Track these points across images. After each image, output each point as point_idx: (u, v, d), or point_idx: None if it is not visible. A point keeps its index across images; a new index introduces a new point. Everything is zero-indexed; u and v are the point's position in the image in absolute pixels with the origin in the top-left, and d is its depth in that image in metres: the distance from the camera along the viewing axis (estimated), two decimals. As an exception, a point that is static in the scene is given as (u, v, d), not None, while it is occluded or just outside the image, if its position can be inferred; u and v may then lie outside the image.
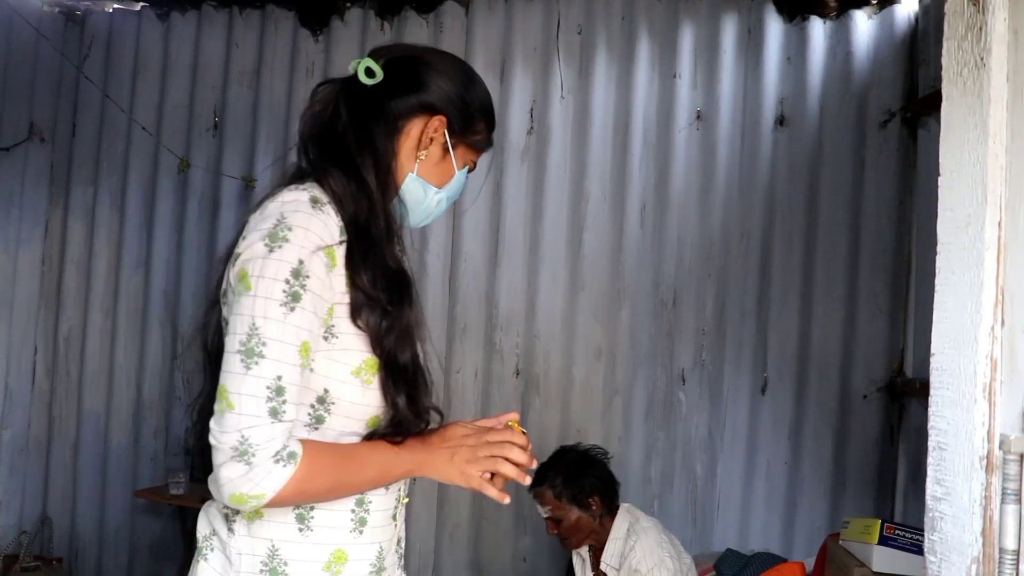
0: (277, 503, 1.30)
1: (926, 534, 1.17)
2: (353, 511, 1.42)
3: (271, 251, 1.30)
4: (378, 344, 1.39)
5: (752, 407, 3.91)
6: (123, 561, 4.50)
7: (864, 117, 3.83)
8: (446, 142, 1.52)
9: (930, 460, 1.17)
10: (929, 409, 1.16)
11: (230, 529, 1.40)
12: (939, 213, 1.08)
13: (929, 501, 1.17)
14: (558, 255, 4.04)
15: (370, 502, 1.43)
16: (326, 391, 1.37)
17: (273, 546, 1.38)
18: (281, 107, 4.40)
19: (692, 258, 3.95)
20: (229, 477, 1.26)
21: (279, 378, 1.28)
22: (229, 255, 1.41)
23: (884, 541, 2.70)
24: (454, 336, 4.13)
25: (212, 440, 1.27)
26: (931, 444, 1.16)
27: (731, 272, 3.92)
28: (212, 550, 1.42)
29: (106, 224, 4.64)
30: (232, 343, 1.29)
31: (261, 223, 1.34)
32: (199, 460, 1.44)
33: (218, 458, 1.27)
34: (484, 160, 3.99)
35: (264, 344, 1.28)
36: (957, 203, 1.08)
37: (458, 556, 4.10)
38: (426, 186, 1.53)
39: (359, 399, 1.38)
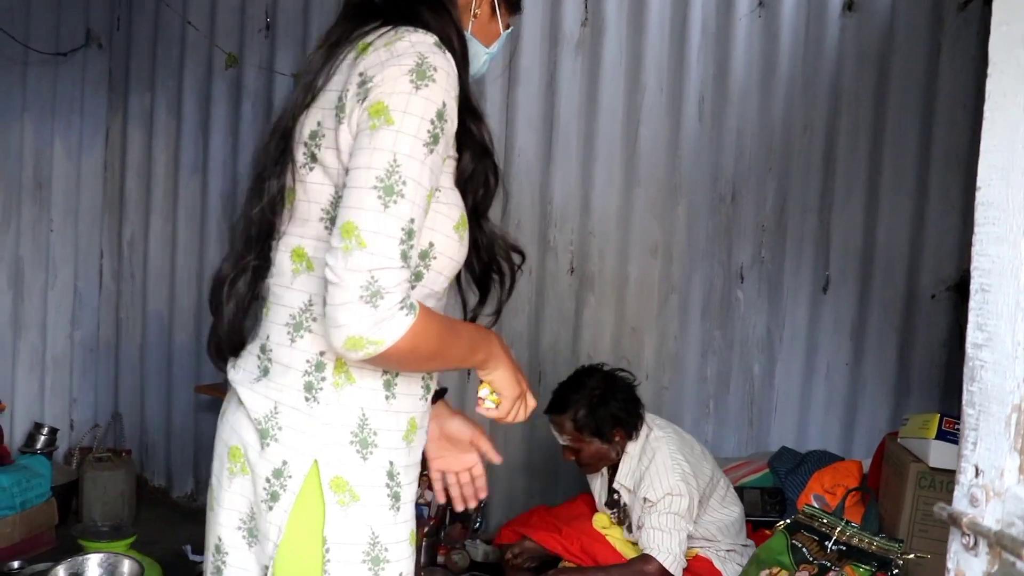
0: (387, 357, 1.23)
1: (964, 386, 1.08)
2: (423, 379, 1.42)
3: (417, 88, 1.24)
4: (475, 198, 1.40)
5: (813, 306, 3.79)
6: (188, 453, 4.63)
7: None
8: (493, 1, 1.51)
9: (972, 304, 1.07)
10: (973, 249, 1.07)
11: (313, 398, 1.32)
12: (992, 29, 0.97)
13: (969, 350, 1.08)
14: (613, 150, 3.93)
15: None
16: (431, 245, 1.33)
17: (363, 415, 1.33)
18: (333, 5, 4.32)
19: (752, 152, 3.80)
20: (351, 320, 1.19)
21: (412, 221, 1.23)
22: (287, 119, 1.39)
23: (942, 435, 2.61)
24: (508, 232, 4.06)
25: (332, 278, 1.20)
26: (974, 287, 1.07)
27: (793, 166, 3.77)
28: (281, 429, 1.33)
29: (164, 129, 4.66)
30: (365, 178, 1.22)
31: (395, 60, 1.26)
32: (227, 336, 1.43)
33: (339, 297, 1.19)
34: (537, 53, 3.88)
35: (404, 183, 1.22)
36: (1014, 15, 0.97)
37: (510, 455, 4.11)
38: (477, 45, 1.51)
39: (456, 255, 1.36)
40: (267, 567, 1.35)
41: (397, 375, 1.36)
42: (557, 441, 2.96)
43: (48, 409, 4.60)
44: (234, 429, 1.39)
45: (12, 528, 3.69)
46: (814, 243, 3.77)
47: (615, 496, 2.92)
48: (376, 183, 1.21)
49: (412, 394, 1.39)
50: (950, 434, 2.58)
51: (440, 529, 4.03)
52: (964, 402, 1.09)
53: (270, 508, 1.32)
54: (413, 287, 1.30)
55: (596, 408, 2.83)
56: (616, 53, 3.90)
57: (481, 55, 1.52)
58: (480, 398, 1.51)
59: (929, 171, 3.64)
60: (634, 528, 2.78)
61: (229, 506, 1.39)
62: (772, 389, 3.84)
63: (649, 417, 2.93)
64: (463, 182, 1.38)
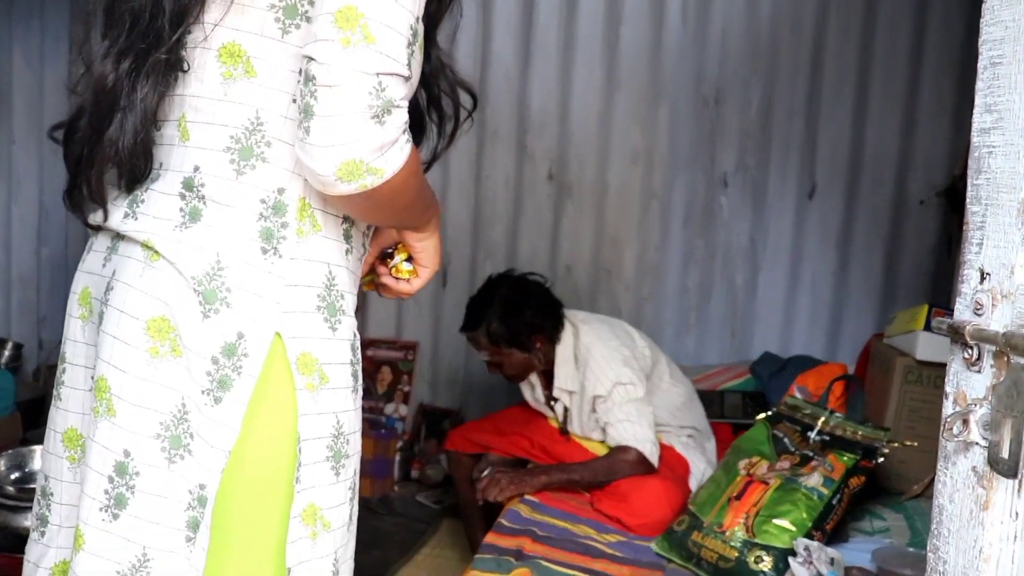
0: (373, 195, 0.99)
1: (969, 180, 0.97)
2: (365, 234, 1.19)
3: None
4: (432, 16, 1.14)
5: (798, 213, 3.67)
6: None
7: None
8: None
9: (980, 85, 0.95)
10: (982, 20, 0.94)
11: (274, 250, 1.04)
12: None
13: (975, 137, 0.96)
14: (593, 52, 3.77)
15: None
16: None
17: (330, 273, 1.09)
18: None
19: (737, 53, 3.65)
20: (353, 137, 0.94)
21: (417, 20, 0.99)
22: None
23: (931, 327, 2.50)
24: (484, 141, 3.93)
25: (327, 78, 0.93)
26: (981, 64, 0.95)
27: (779, 68, 3.62)
28: (231, 291, 1.02)
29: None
30: None
31: None
32: (129, 165, 1.08)
33: (340, 105, 0.93)
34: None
35: None
36: None
37: (457, 300, 3.95)
38: None
39: (417, 77, 1.10)
40: (203, 486, 1.04)
41: (352, 223, 1.13)
42: None
43: (16, 328, 4.47)
44: (151, 294, 1.03)
45: (-25, 440, 3.57)
46: (800, 148, 3.64)
47: (552, 404, 2.82)
48: None
49: (359, 251, 1.17)
50: (939, 324, 2.48)
51: (414, 444, 3.95)
52: (968, 200, 0.98)
53: (217, 400, 1.03)
54: None
55: (509, 317, 2.69)
56: (598, -50, 3.73)
57: None
58: (394, 265, 1.28)
59: (921, 73, 3.50)
60: (587, 429, 2.69)
61: (148, 403, 1.03)
62: (755, 299, 3.74)
63: (570, 314, 2.82)
64: None
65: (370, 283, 1.32)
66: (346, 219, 1.12)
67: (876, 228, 3.61)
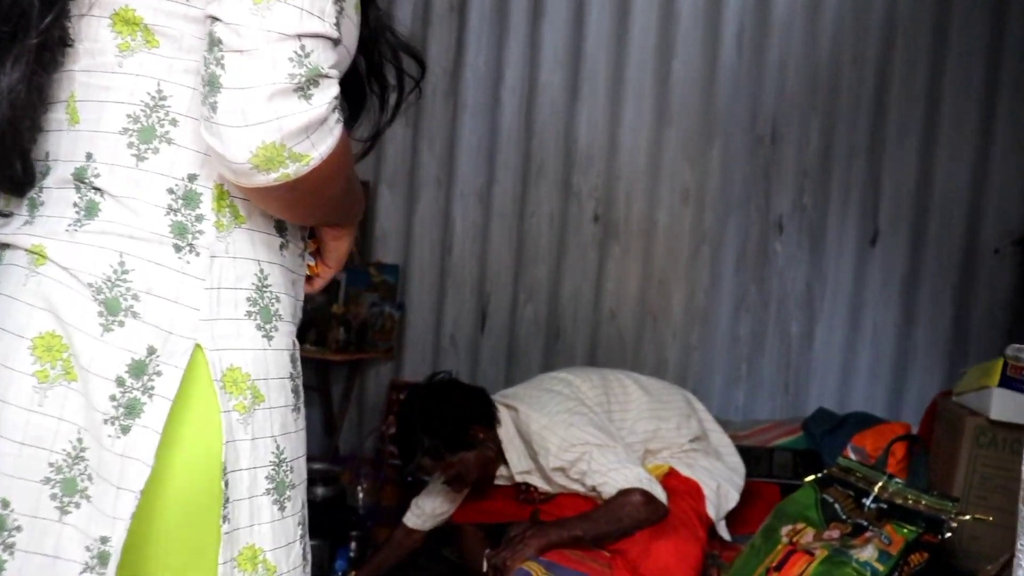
0: (301, 185, 0.83)
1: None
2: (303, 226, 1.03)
3: None
4: None
5: (859, 260, 3.42)
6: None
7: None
8: None
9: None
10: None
11: (190, 247, 0.88)
12: None
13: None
14: (643, 86, 3.60)
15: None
16: None
17: (262, 272, 0.92)
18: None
19: (795, 87, 3.44)
20: (273, 113, 0.78)
21: None
22: None
23: (1007, 383, 2.22)
24: (529, 176, 3.77)
25: (235, 40, 0.77)
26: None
27: (840, 104, 3.40)
28: (139, 298, 0.86)
29: None
30: None
31: None
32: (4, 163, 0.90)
33: (252, 74, 0.77)
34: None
35: None
36: None
37: (496, 343, 3.80)
38: None
39: (352, 44, 0.94)
40: (105, 540, 0.84)
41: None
42: None
43: None
44: (37, 307, 0.86)
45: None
46: (862, 190, 3.40)
47: (523, 495, 2.53)
48: None
49: (298, 247, 1.00)
50: (1016, 381, 2.20)
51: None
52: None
53: (123, 430, 0.84)
54: None
55: (435, 427, 2.44)
56: (649, -19, 3.57)
57: None
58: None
59: (996, 108, 3.26)
60: (564, 486, 2.43)
61: (34, 440, 0.85)
62: (811, 351, 3.48)
63: (499, 396, 2.59)
64: None
65: None
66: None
67: (945, 278, 3.34)
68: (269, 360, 0.93)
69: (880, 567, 1.80)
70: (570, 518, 2.30)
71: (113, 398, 0.84)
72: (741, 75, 3.48)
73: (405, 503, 3.57)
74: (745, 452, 2.73)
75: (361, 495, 3.46)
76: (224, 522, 0.87)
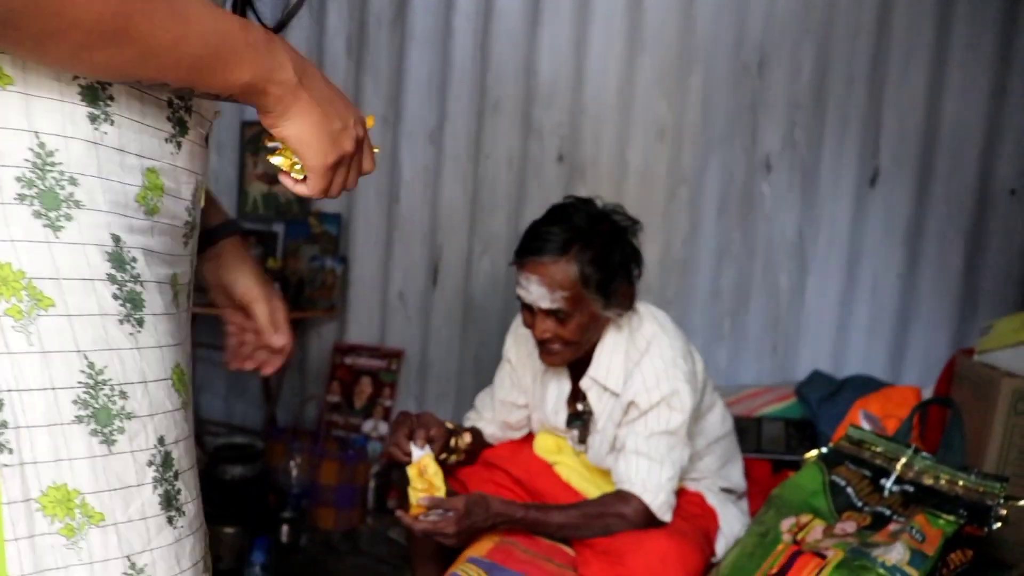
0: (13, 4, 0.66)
1: None
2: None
3: None
4: None
5: (857, 203, 3.02)
6: None
7: None
8: None
9: None
10: None
11: None
12: None
13: None
14: (613, 8, 3.17)
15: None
16: None
17: (41, 145, 0.77)
18: None
19: (785, 7, 3.02)
20: None
21: None
22: None
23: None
24: (484, 113, 3.35)
25: None
26: None
27: (837, 25, 2.98)
28: None
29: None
30: None
31: None
32: None
33: None
34: None
35: None
36: None
37: (485, 379, 3.39)
38: None
39: None
40: None
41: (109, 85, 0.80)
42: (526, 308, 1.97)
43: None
44: None
45: None
46: (861, 124, 2.99)
47: (579, 407, 2.07)
48: None
49: (168, 122, 0.86)
50: (1062, 335, 1.82)
51: (392, 469, 3.34)
52: None
53: None
54: None
55: (606, 252, 1.88)
56: None
57: None
58: (277, 167, 0.91)
59: (1015, 30, 2.84)
60: (606, 452, 1.99)
61: None
62: (803, 306, 3.09)
63: (647, 307, 2.07)
64: None
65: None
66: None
67: (953, 223, 2.94)
68: (57, 255, 0.77)
69: (913, 573, 1.39)
70: (549, 505, 1.87)
71: None
72: (725, -6, 3.05)
73: (347, 480, 3.17)
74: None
75: (295, 471, 3.05)
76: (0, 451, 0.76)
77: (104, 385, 0.80)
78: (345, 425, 3.50)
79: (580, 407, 2.05)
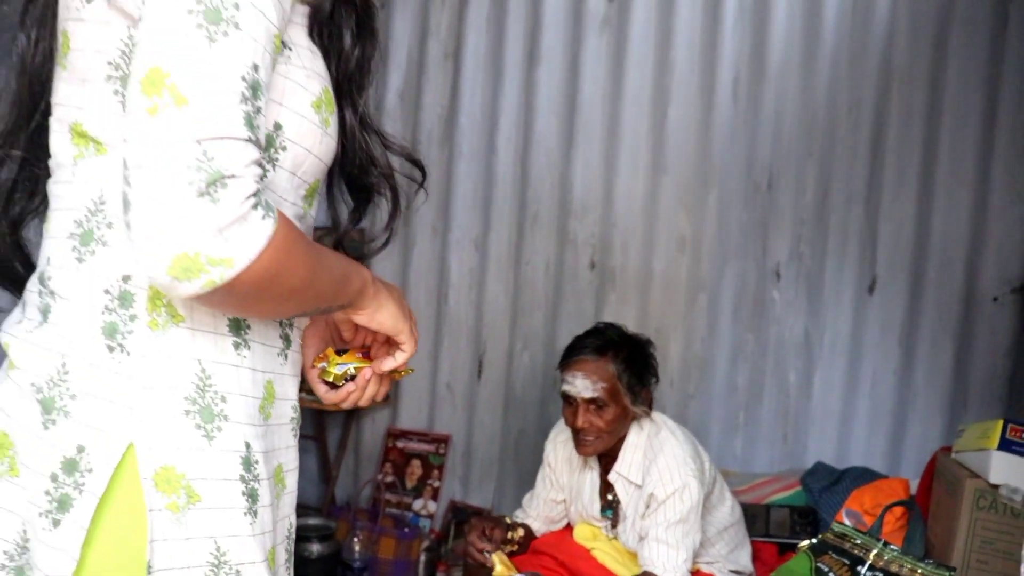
0: (235, 289, 0.81)
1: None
2: (281, 326, 1.03)
3: None
4: (346, 71, 1.01)
5: (857, 308, 3.39)
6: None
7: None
8: None
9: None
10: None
11: (120, 347, 0.89)
12: None
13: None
14: (639, 134, 3.59)
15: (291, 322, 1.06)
16: (278, 127, 0.91)
17: (203, 371, 0.91)
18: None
19: (791, 135, 3.43)
20: (178, 222, 0.75)
21: (255, 68, 0.81)
22: None
23: (1006, 445, 2.20)
24: (524, 224, 3.76)
25: (136, 157, 0.76)
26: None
27: (837, 151, 3.38)
28: (75, 397, 0.88)
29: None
30: (172, 3, 0.78)
31: None
32: None
33: (150, 187, 0.75)
34: (560, 31, 3.51)
35: (237, 7, 0.80)
36: None
37: (524, 463, 3.76)
38: None
39: (316, 146, 0.95)
40: None
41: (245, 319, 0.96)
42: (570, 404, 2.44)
43: None
44: None
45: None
46: (859, 237, 3.38)
47: (609, 497, 2.50)
48: (193, 4, 0.78)
49: (270, 345, 1.00)
50: (1016, 444, 2.17)
51: (442, 544, 3.70)
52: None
53: (55, 524, 0.86)
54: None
55: (637, 357, 2.41)
56: (644, 30, 3.57)
57: None
58: (338, 375, 1.13)
59: (992, 157, 3.23)
60: (634, 537, 2.39)
61: None
62: (810, 400, 3.45)
63: (661, 416, 2.54)
64: (325, 41, 0.98)
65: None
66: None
67: (944, 326, 3.30)
68: (209, 460, 0.91)
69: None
70: None
71: (47, 493, 0.87)
72: (737, 122, 3.47)
73: (402, 555, 3.53)
74: (742, 509, 2.69)
75: (357, 548, 3.41)
76: None
77: (224, 565, 0.92)
78: (398, 504, 3.87)
79: (610, 497, 2.44)
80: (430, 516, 3.82)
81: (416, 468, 3.90)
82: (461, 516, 3.79)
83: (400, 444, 3.95)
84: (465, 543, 2.39)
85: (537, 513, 2.64)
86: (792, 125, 3.42)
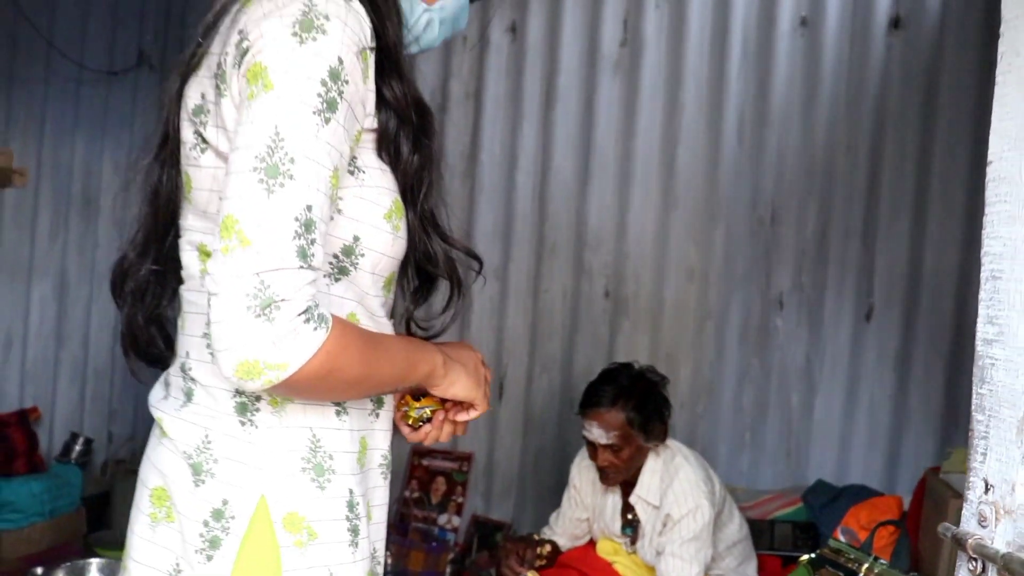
0: (294, 385, 1.01)
1: (974, 389, 0.98)
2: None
3: (302, 42, 1.01)
4: (407, 180, 1.16)
5: (855, 335, 3.63)
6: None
7: (995, 14, 3.44)
8: None
9: (982, 295, 0.97)
10: (983, 232, 0.96)
11: (250, 422, 1.11)
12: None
13: (979, 347, 0.97)
14: (650, 171, 3.84)
15: None
16: (356, 239, 1.12)
17: (314, 436, 1.13)
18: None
19: (793, 174, 3.68)
20: (239, 339, 0.96)
21: (309, 209, 1.00)
22: (166, 92, 1.18)
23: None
24: (542, 255, 4.00)
25: (213, 287, 0.98)
26: (984, 275, 0.96)
27: (836, 189, 3.64)
28: (218, 461, 1.10)
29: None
30: (244, 160, 0.99)
31: (277, 11, 1.02)
32: (130, 341, 1.26)
33: (221, 311, 0.97)
34: (575, 73, 3.76)
35: (293, 161, 0.99)
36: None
37: (543, 480, 4.00)
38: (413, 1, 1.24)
39: (389, 249, 1.15)
40: None
41: None
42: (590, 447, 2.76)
43: (88, 420, 4.59)
44: (156, 467, 1.15)
45: (41, 535, 3.67)
46: (857, 269, 3.62)
47: (629, 516, 2.78)
48: (256, 163, 0.99)
49: (362, 408, 1.20)
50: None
51: (466, 556, 3.93)
52: (974, 408, 0.98)
53: (208, 558, 1.09)
54: (335, 282, 1.13)
55: (645, 400, 2.69)
56: (655, 73, 3.83)
57: (417, 12, 1.25)
58: (416, 418, 1.32)
59: (980, 194, 3.45)
60: (652, 552, 2.65)
61: (149, 562, 1.14)
62: (811, 421, 3.69)
63: (674, 442, 2.81)
64: (391, 158, 1.15)
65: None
66: None
67: (936, 351, 3.54)
68: (323, 505, 1.12)
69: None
70: None
71: (201, 535, 1.10)
72: (742, 162, 3.72)
73: (431, 567, 3.77)
74: (749, 524, 2.94)
75: (389, 560, 3.65)
76: None
77: None
78: (424, 519, 4.10)
79: (630, 516, 2.69)
80: (454, 530, 4.05)
81: (441, 484, 4.13)
82: (484, 530, 4.02)
83: (425, 462, 4.18)
84: (502, 565, 2.66)
85: (563, 530, 2.90)
86: (794, 164, 3.67)
